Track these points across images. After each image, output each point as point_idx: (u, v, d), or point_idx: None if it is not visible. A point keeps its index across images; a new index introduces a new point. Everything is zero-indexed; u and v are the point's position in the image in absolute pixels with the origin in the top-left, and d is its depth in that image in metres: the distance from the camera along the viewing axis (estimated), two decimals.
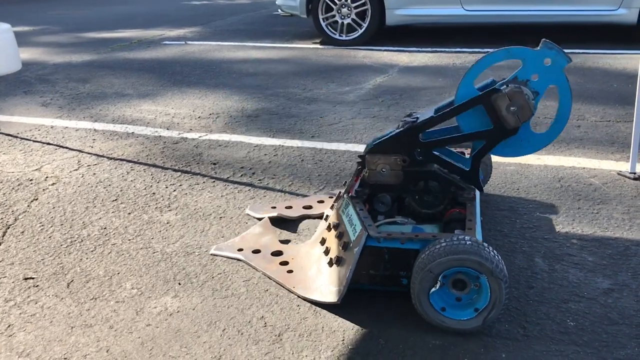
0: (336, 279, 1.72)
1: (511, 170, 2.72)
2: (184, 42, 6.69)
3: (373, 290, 1.80)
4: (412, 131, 1.82)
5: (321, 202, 2.41)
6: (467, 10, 5.76)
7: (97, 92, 4.51)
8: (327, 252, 1.85)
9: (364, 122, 3.53)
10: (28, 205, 2.52)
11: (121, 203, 2.51)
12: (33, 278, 1.96)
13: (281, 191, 2.58)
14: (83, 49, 6.52)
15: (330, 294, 1.71)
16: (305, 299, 1.78)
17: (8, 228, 2.32)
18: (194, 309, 1.77)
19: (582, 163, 2.78)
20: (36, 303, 1.82)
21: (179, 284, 1.90)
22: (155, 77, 4.95)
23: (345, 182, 2.17)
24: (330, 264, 1.78)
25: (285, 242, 2.14)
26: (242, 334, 1.65)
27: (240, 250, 2.06)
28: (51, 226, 2.32)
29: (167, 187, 2.66)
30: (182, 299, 1.82)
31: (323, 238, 1.92)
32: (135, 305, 1.79)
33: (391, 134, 1.85)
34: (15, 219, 2.39)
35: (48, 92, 4.53)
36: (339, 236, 1.81)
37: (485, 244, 1.55)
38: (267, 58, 5.62)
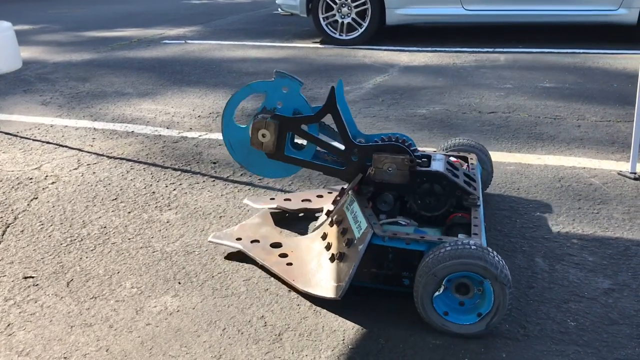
0: (338, 274, 1.72)
1: (511, 170, 2.72)
2: (183, 41, 6.69)
3: (373, 288, 1.80)
4: None
5: (320, 196, 2.41)
6: (467, 10, 5.76)
7: (97, 91, 4.51)
8: (328, 247, 1.85)
9: (364, 121, 3.52)
10: (28, 204, 2.51)
11: (121, 202, 2.51)
12: (33, 277, 1.96)
13: (281, 190, 2.57)
14: (83, 47, 6.51)
15: (331, 290, 1.71)
16: (304, 293, 1.78)
17: (8, 227, 2.32)
18: (194, 308, 1.76)
19: (582, 163, 2.78)
20: (36, 302, 1.82)
21: (179, 283, 1.90)
22: (155, 76, 4.95)
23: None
24: (332, 259, 1.78)
25: (285, 234, 2.14)
26: (242, 333, 1.65)
27: (238, 239, 2.06)
28: (51, 225, 2.32)
29: (167, 186, 2.66)
30: (182, 298, 1.82)
31: (325, 233, 1.92)
32: (135, 305, 1.79)
33: None
34: (15, 218, 2.39)
35: (48, 91, 4.53)
36: (343, 232, 1.81)
37: (490, 249, 1.55)
38: (267, 57, 5.62)
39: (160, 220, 2.34)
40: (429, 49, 5.77)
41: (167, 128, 3.51)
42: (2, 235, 2.25)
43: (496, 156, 2.86)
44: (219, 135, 3.35)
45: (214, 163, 2.92)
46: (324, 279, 1.76)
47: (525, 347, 1.56)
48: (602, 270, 1.91)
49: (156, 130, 3.47)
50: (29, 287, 1.90)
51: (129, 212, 2.41)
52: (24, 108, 4.05)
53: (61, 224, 2.33)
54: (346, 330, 1.65)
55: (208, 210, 2.41)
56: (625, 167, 2.70)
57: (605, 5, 5.38)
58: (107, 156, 3.07)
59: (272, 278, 1.91)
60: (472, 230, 1.72)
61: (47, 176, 2.82)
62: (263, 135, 1.97)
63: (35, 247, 2.16)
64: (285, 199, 2.37)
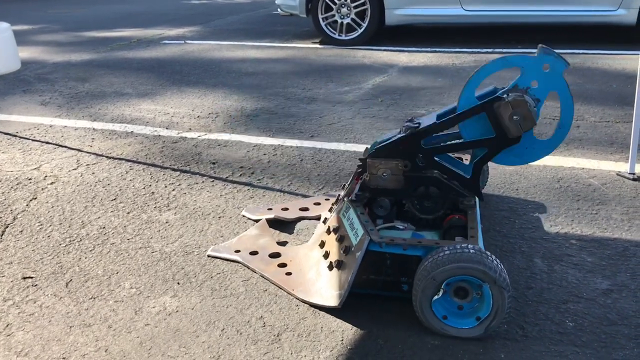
0: (337, 282, 1.72)
1: (510, 170, 2.72)
2: (183, 42, 6.69)
3: (373, 295, 1.80)
4: (414, 137, 1.82)
5: (317, 204, 2.40)
6: (466, 10, 5.76)
7: (96, 91, 4.51)
8: (326, 255, 1.85)
9: (364, 122, 3.53)
10: (27, 205, 2.51)
11: (120, 202, 2.51)
12: (32, 277, 1.96)
13: (280, 191, 2.58)
14: (82, 48, 6.51)
15: (331, 298, 1.71)
16: (305, 302, 1.78)
17: (7, 227, 2.32)
18: (192, 309, 1.77)
19: (581, 163, 2.78)
20: (35, 302, 1.82)
21: (178, 283, 1.90)
22: (154, 77, 4.95)
23: (344, 184, 2.16)
24: (330, 267, 1.78)
25: (283, 243, 2.14)
26: (241, 333, 1.65)
27: (237, 251, 2.06)
28: (50, 225, 2.32)
29: (166, 187, 2.66)
30: (181, 299, 1.82)
31: (322, 241, 1.92)
32: (134, 305, 1.79)
33: (393, 139, 1.84)
34: (14, 218, 2.39)
35: (47, 91, 4.52)
36: (340, 240, 1.81)
37: (489, 253, 1.55)
38: (267, 57, 5.62)
39: (160, 220, 2.34)
40: (429, 49, 5.77)
41: (167, 128, 3.51)
42: (1, 236, 2.25)
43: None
44: (218, 136, 3.35)
45: (213, 163, 2.93)
46: (323, 287, 1.76)
47: (524, 347, 1.57)
48: (600, 270, 1.91)
49: (155, 131, 3.47)
50: (27, 287, 1.90)
51: (128, 213, 2.41)
52: (23, 108, 4.05)
53: (60, 224, 2.33)
54: (345, 330, 1.65)
55: (207, 210, 2.41)
56: (624, 167, 2.71)
57: (605, 5, 5.38)
58: (107, 156, 3.07)
59: None
60: (468, 233, 1.72)
61: (46, 176, 2.82)
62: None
63: (34, 247, 2.16)
64: (282, 209, 2.37)
